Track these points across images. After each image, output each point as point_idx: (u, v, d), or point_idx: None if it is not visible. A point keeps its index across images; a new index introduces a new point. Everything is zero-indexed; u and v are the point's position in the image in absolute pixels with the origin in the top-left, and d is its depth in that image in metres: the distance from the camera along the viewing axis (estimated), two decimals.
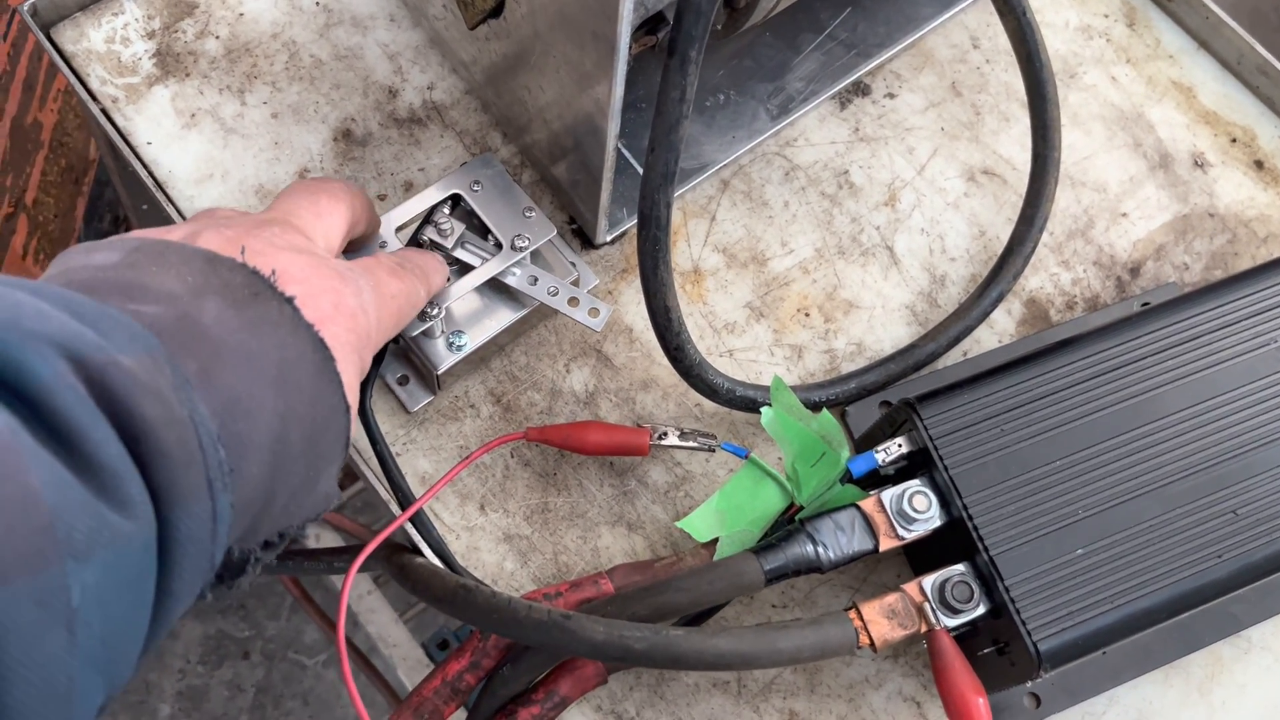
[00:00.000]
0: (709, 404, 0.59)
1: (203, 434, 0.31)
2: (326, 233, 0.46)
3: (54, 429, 0.27)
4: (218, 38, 0.65)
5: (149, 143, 0.62)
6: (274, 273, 0.38)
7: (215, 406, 0.32)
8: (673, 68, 0.45)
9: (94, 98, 0.63)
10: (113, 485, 0.28)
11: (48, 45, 0.64)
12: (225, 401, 0.33)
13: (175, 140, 0.63)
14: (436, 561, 0.53)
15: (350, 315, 0.41)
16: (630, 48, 0.47)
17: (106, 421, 0.28)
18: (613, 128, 0.51)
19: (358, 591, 1.13)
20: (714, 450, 0.56)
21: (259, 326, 0.35)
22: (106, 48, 0.64)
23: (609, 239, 0.62)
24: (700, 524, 0.54)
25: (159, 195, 0.61)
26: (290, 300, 0.37)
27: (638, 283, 0.61)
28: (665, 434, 0.55)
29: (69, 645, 0.27)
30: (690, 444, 0.55)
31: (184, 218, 0.61)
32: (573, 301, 0.56)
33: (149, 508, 0.29)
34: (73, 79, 0.63)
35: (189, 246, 0.37)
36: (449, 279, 0.54)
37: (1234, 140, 0.69)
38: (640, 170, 0.62)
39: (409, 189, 0.63)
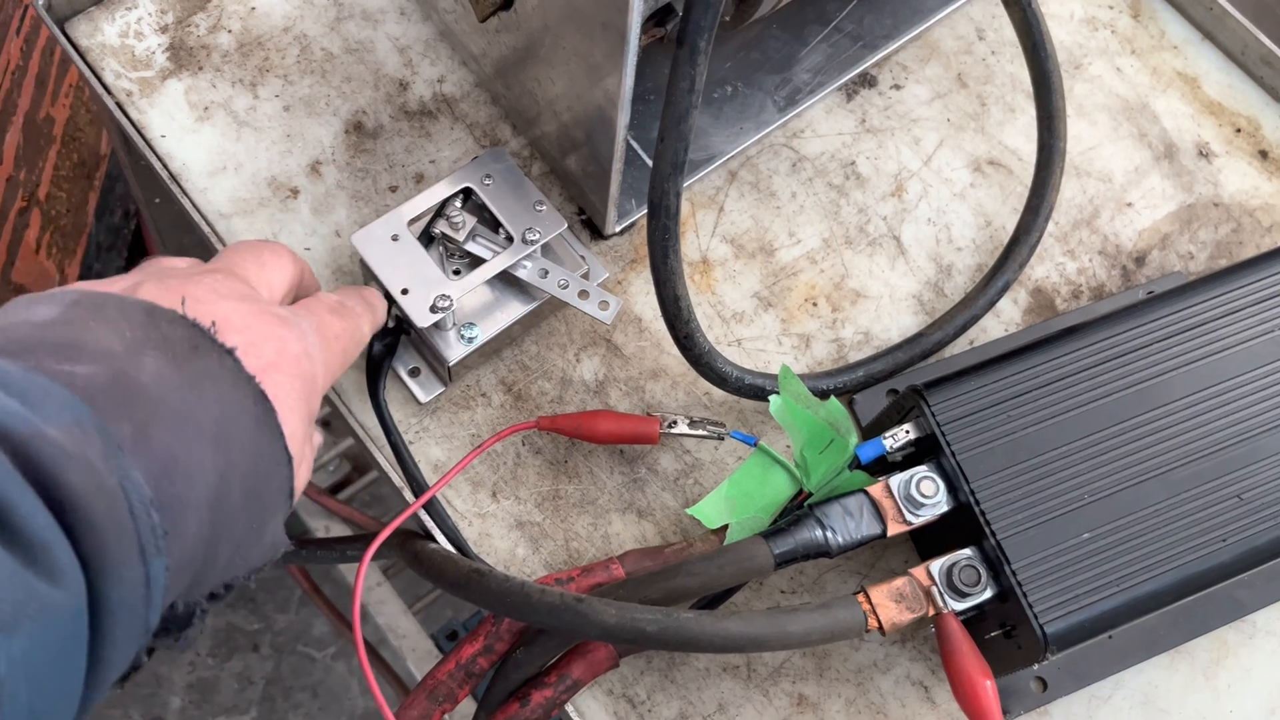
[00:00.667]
0: (718, 392, 0.60)
1: (134, 500, 0.31)
2: (270, 282, 0.45)
3: None
4: (230, 31, 0.66)
5: (163, 136, 0.63)
6: (214, 324, 0.37)
7: (151, 468, 0.32)
8: (682, 58, 0.45)
9: (109, 91, 0.64)
10: (41, 556, 0.28)
11: (62, 40, 0.64)
12: (162, 463, 0.32)
13: (189, 133, 0.63)
14: (450, 548, 0.54)
15: (294, 361, 0.40)
16: (639, 39, 0.48)
17: (33, 493, 0.28)
18: (622, 119, 0.52)
19: (367, 583, 1.13)
20: (723, 438, 0.56)
21: (199, 382, 0.35)
22: (120, 42, 0.65)
23: (618, 230, 0.63)
24: (710, 511, 0.54)
25: (173, 188, 0.62)
26: (231, 351, 0.37)
27: (646, 273, 0.62)
28: (675, 422, 0.56)
29: None
30: (699, 432, 0.56)
31: (198, 210, 0.62)
32: (583, 294, 0.56)
33: (79, 576, 0.29)
34: (87, 73, 0.64)
35: (128, 299, 0.36)
36: (456, 270, 0.55)
37: (1238, 130, 0.69)
38: (649, 161, 0.63)
39: (420, 181, 0.63)
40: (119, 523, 0.30)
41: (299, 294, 0.49)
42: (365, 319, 0.49)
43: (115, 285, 0.39)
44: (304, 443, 0.41)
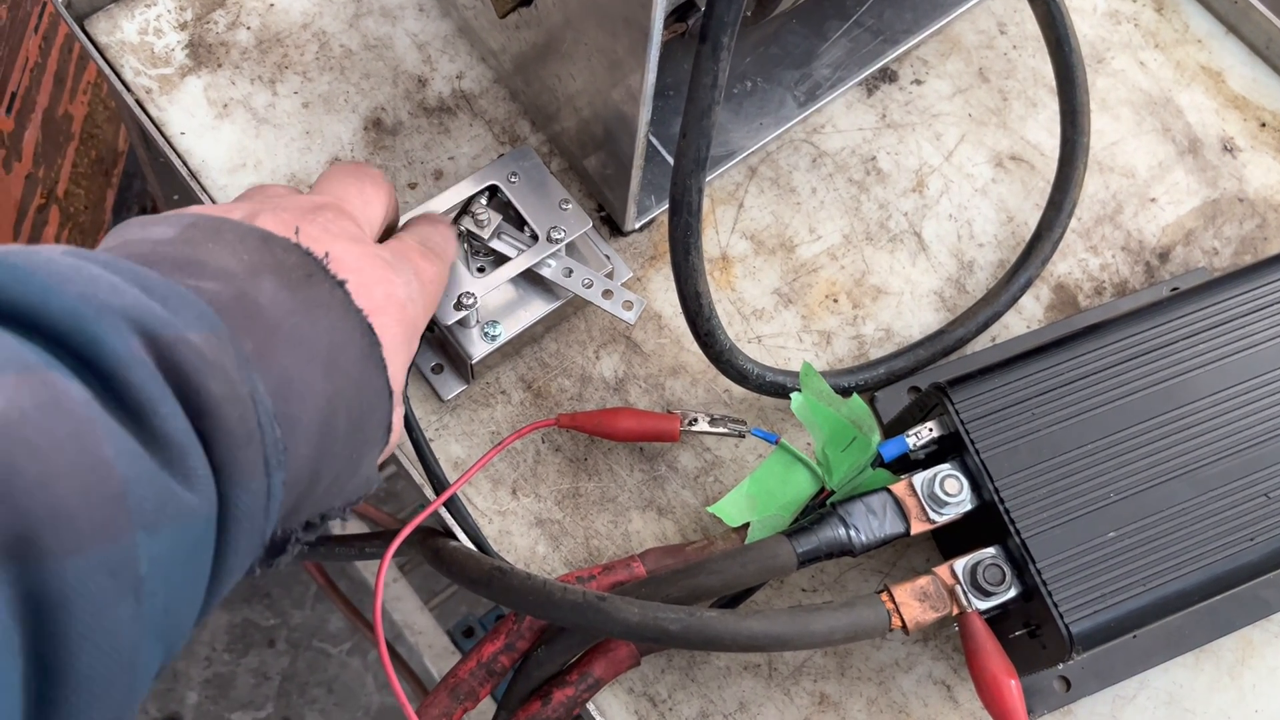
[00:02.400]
0: (738, 390, 0.60)
1: (261, 412, 0.31)
2: (371, 220, 0.46)
3: (125, 402, 0.28)
4: (249, 28, 0.66)
5: (182, 133, 0.63)
6: (327, 255, 0.38)
7: (270, 386, 0.33)
8: (705, 54, 0.45)
9: (128, 89, 0.64)
10: (179, 460, 0.28)
11: (82, 37, 0.64)
12: (279, 382, 0.33)
13: (208, 130, 0.63)
14: (470, 545, 0.54)
15: (400, 306, 0.41)
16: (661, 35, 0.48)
17: (174, 397, 0.29)
18: (644, 115, 0.52)
19: (383, 580, 1.13)
20: (744, 436, 0.56)
21: (312, 308, 0.36)
22: (140, 39, 0.65)
23: (637, 226, 0.62)
24: (731, 509, 0.54)
25: (193, 185, 0.62)
26: (342, 284, 0.38)
27: (666, 270, 0.62)
28: (695, 420, 0.56)
29: (135, 614, 0.27)
30: (720, 430, 0.56)
31: None
32: (607, 294, 0.56)
33: (211, 483, 0.30)
34: (107, 70, 0.64)
35: (244, 224, 0.37)
36: (480, 267, 0.55)
37: (1263, 125, 0.68)
38: (669, 158, 0.62)
39: (439, 178, 0.63)
40: (249, 433, 0.31)
41: (388, 226, 0.50)
42: (448, 257, 0.50)
43: (232, 212, 0.39)
44: (402, 386, 0.41)
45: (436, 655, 1.11)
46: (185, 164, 0.63)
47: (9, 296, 0.28)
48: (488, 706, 0.57)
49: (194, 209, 0.39)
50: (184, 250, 0.34)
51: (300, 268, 0.37)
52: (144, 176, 1.15)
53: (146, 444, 0.28)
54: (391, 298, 0.41)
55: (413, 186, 0.63)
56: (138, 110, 0.63)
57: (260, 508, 0.31)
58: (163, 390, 0.29)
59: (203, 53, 0.65)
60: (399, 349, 0.40)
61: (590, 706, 0.53)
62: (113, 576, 0.26)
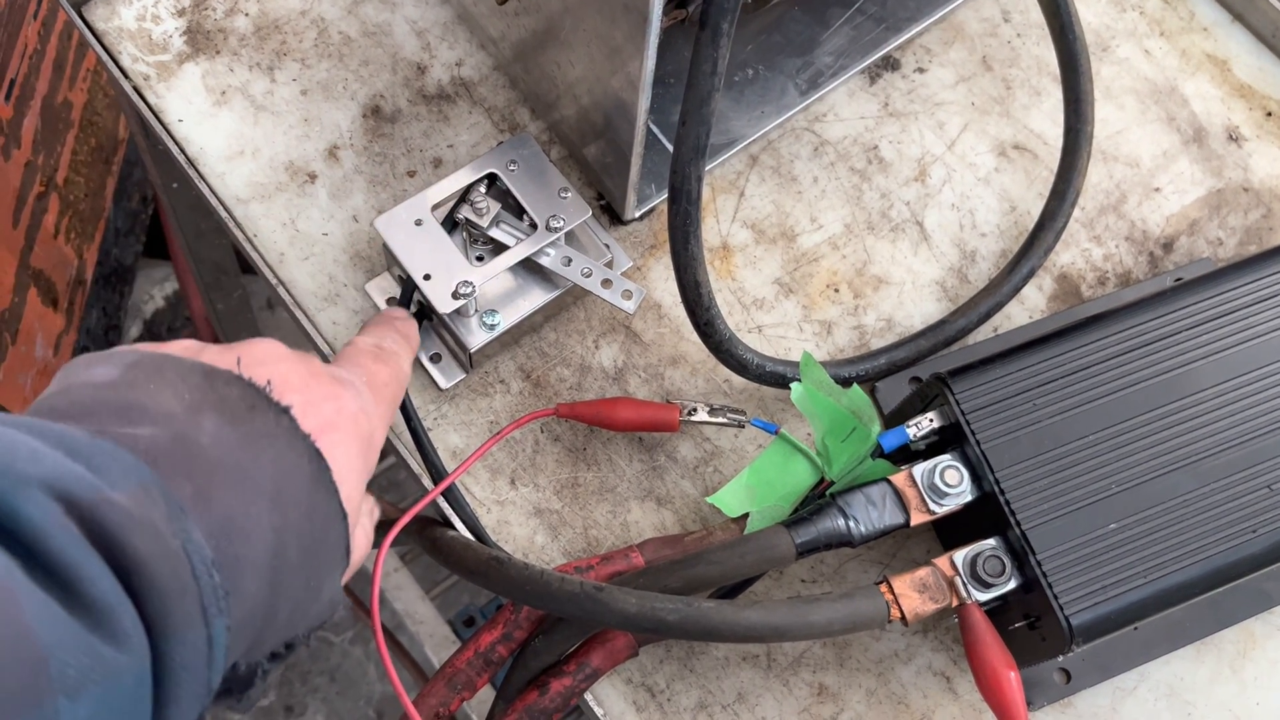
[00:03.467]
0: (738, 380, 0.59)
1: (196, 562, 0.31)
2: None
3: (48, 568, 0.28)
4: (247, 15, 0.65)
5: (180, 120, 0.63)
6: (269, 384, 0.38)
7: (211, 528, 0.32)
8: (705, 40, 0.44)
9: (126, 75, 0.63)
10: (106, 620, 0.29)
11: (79, 23, 0.64)
12: (221, 523, 0.33)
13: (206, 118, 0.63)
14: (468, 535, 0.54)
15: (351, 419, 0.40)
16: (660, 21, 0.47)
17: (99, 558, 0.29)
18: (643, 102, 0.51)
19: (384, 569, 1.13)
20: (743, 426, 0.56)
21: (255, 441, 0.35)
22: (138, 25, 0.65)
23: (637, 215, 0.62)
24: (731, 499, 0.54)
25: (190, 173, 0.62)
26: (286, 410, 0.37)
27: (666, 259, 0.61)
28: (694, 410, 0.55)
29: None
30: (720, 420, 0.55)
31: (216, 195, 0.61)
32: (606, 283, 0.56)
33: (143, 640, 0.30)
34: (105, 57, 0.64)
35: (186, 360, 0.37)
36: (479, 256, 0.54)
37: (1269, 114, 0.68)
38: (669, 146, 0.62)
39: (438, 165, 0.63)
40: (182, 586, 0.31)
41: None
42: (405, 355, 0.49)
43: (173, 347, 0.39)
44: (360, 501, 0.41)
45: (437, 644, 1.11)
46: (183, 151, 0.62)
47: None
48: (486, 696, 0.56)
49: (139, 347, 0.39)
50: (124, 395, 0.35)
51: (242, 400, 0.36)
52: (144, 164, 1.15)
53: (71, 608, 0.28)
54: (341, 412, 0.40)
55: (411, 174, 0.63)
56: (135, 97, 0.63)
57: (201, 658, 0.31)
58: (86, 553, 0.29)
59: (201, 39, 0.65)
60: (352, 465, 0.40)
61: (588, 697, 0.53)
62: None
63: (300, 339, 0.59)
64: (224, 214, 0.61)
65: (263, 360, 0.39)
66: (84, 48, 1.03)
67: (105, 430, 0.33)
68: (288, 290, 0.60)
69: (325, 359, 0.54)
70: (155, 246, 1.24)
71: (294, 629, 0.38)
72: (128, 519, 0.30)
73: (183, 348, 0.39)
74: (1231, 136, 0.67)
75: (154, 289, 1.29)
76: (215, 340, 1.12)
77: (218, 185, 0.62)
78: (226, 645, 0.32)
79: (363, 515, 0.43)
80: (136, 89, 0.63)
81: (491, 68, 0.65)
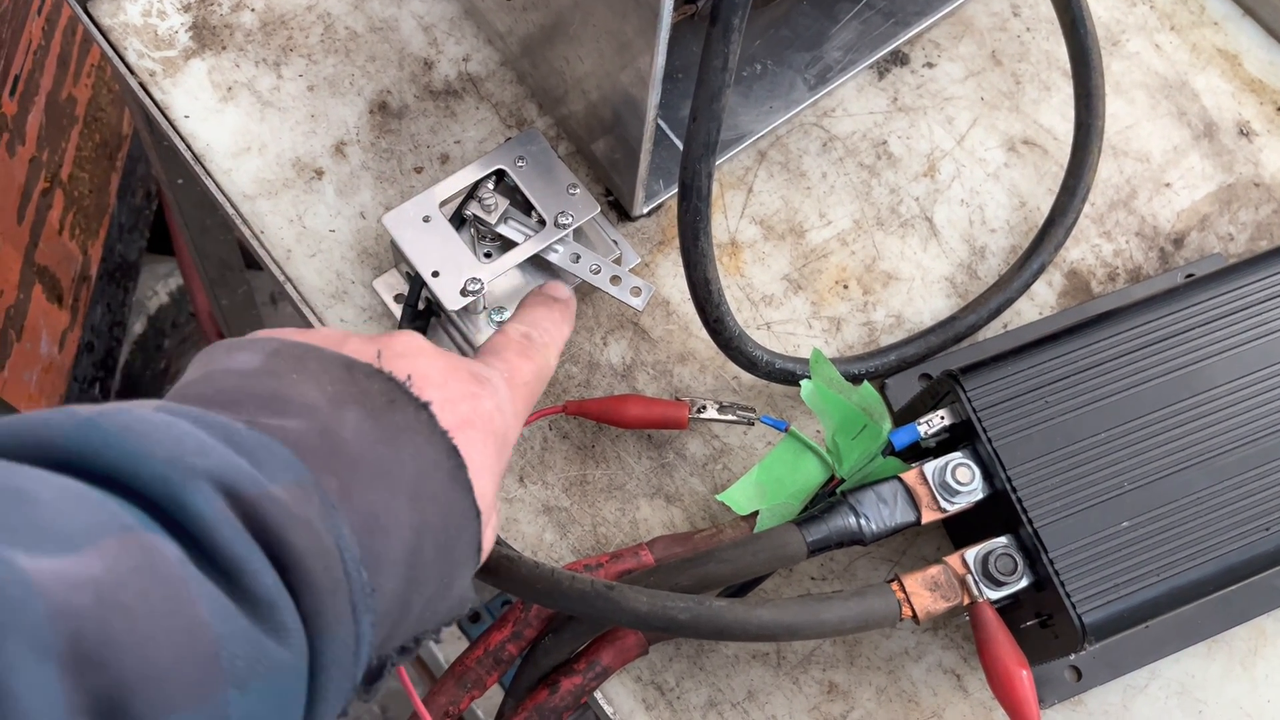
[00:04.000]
0: (747, 377, 0.59)
1: (348, 560, 0.32)
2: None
3: (216, 561, 0.29)
4: (253, 10, 0.65)
5: (186, 116, 0.63)
6: (409, 378, 0.38)
7: (355, 525, 0.33)
8: (715, 35, 0.44)
9: (131, 71, 0.63)
10: (270, 614, 0.29)
11: (85, 19, 0.64)
12: (364, 519, 0.33)
13: (212, 113, 0.63)
14: None
15: (487, 419, 0.40)
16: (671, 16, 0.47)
17: (262, 552, 0.29)
18: (653, 98, 0.51)
19: None
20: (753, 423, 0.55)
21: (395, 437, 0.35)
22: (143, 21, 0.64)
23: (646, 211, 0.62)
24: (740, 497, 0.54)
25: (196, 169, 0.61)
26: (426, 406, 0.37)
27: (674, 255, 0.61)
28: (704, 407, 0.55)
29: None
30: (729, 417, 0.55)
31: (222, 191, 0.61)
32: (615, 280, 0.55)
33: (302, 636, 0.30)
34: (110, 52, 0.63)
35: (328, 352, 0.37)
36: (487, 253, 0.54)
37: None
38: (677, 142, 0.62)
39: (445, 162, 0.63)
40: (335, 582, 0.31)
41: None
42: (554, 347, 0.49)
43: (315, 336, 0.39)
44: (493, 500, 0.41)
45: (445, 642, 1.11)
46: (189, 148, 0.62)
47: (105, 461, 0.29)
48: (495, 694, 0.56)
49: (277, 333, 0.39)
50: (268, 384, 0.35)
51: (383, 394, 0.37)
52: (148, 160, 1.15)
53: (239, 601, 0.29)
54: (477, 410, 0.40)
55: (419, 170, 0.62)
56: (141, 93, 0.63)
57: (349, 654, 0.32)
58: (251, 548, 0.29)
59: (207, 35, 0.64)
60: (487, 463, 0.40)
61: (598, 695, 0.53)
62: None
63: None
64: (231, 210, 0.61)
65: (403, 354, 0.39)
66: (88, 43, 1.03)
67: (255, 421, 0.33)
68: (295, 287, 0.60)
69: None
70: (159, 242, 1.24)
71: (425, 624, 0.38)
72: (287, 515, 0.30)
73: (323, 337, 0.39)
74: (1242, 131, 0.67)
75: (158, 285, 1.29)
76: (220, 336, 1.12)
77: (224, 181, 0.62)
78: (371, 641, 0.33)
79: (494, 513, 0.42)
80: (142, 85, 0.63)
81: (499, 63, 0.65)
